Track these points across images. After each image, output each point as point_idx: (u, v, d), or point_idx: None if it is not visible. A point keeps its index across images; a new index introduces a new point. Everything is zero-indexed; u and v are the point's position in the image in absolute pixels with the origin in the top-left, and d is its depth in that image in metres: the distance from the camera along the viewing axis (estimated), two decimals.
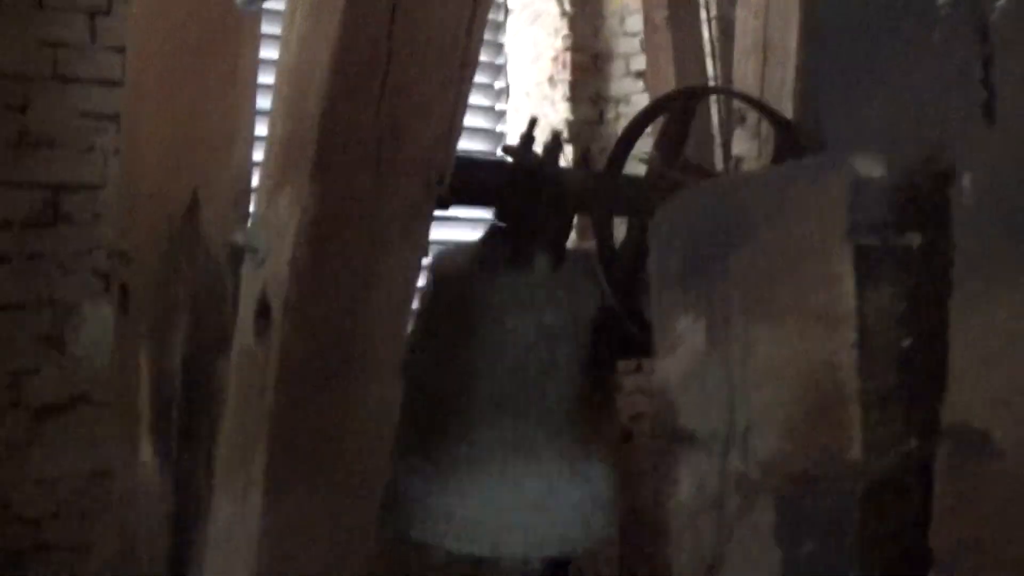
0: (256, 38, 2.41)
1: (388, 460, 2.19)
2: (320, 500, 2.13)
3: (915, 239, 1.10)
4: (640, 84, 5.72)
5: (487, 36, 6.02)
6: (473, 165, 2.85)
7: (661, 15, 4.84)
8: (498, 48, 6.12)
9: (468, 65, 2.09)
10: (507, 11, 6.18)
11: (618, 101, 5.93)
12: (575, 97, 5.96)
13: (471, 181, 2.70)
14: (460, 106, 2.12)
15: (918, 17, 1.28)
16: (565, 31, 6.03)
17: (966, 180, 1.08)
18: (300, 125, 2.02)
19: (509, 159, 2.93)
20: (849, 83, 1.30)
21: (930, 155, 1.10)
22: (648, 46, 4.88)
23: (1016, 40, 1.23)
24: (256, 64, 2.41)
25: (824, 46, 1.36)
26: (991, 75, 1.23)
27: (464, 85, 2.11)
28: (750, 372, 1.16)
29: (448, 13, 2.04)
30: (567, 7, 6.07)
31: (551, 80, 6.01)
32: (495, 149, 5.84)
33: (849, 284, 1.09)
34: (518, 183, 2.82)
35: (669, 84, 4.44)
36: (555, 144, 2.91)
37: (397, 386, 2.15)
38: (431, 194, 2.09)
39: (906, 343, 1.09)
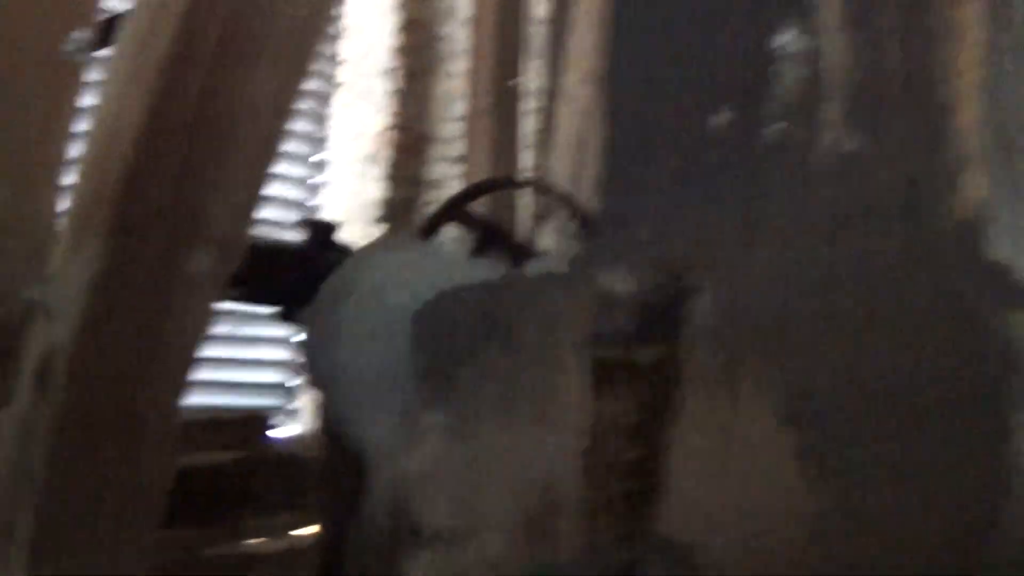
0: (76, 89, 2.40)
1: (155, 528, 2.17)
2: (84, 569, 2.10)
3: (652, 355, 1.14)
4: (457, 170, 5.78)
5: (311, 107, 6.05)
6: (272, 250, 2.84)
7: (485, 102, 4.92)
8: (320, 119, 6.13)
9: (271, 151, 2.12)
10: (335, 84, 6.20)
11: (434, 185, 5.98)
12: (393, 177, 6.00)
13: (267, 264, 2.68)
14: (259, 189, 2.15)
15: (695, 137, 1.35)
16: (391, 109, 6.07)
17: (707, 299, 1.13)
18: (103, 185, 2.02)
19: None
20: (627, 193, 1.36)
21: (677, 272, 1.15)
22: (469, 132, 4.95)
23: (780, 165, 1.31)
24: (73, 114, 2.39)
25: (610, 155, 1.41)
26: (754, 196, 1.30)
27: (265, 168, 2.14)
28: (484, 474, 1.19)
29: (259, 95, 2.07)
30: (396, 86, 6.12)
31: (371, 157, 6.03)
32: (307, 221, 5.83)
33: (583, 394, 1.13)
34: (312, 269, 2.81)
35: (485, 172, 4.51)
36: (325, 228, 2.88)
37: (171, 454, 2.14)
38: (222, 270, 2.10)
39: (631, 455, 1.13)
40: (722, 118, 1.33)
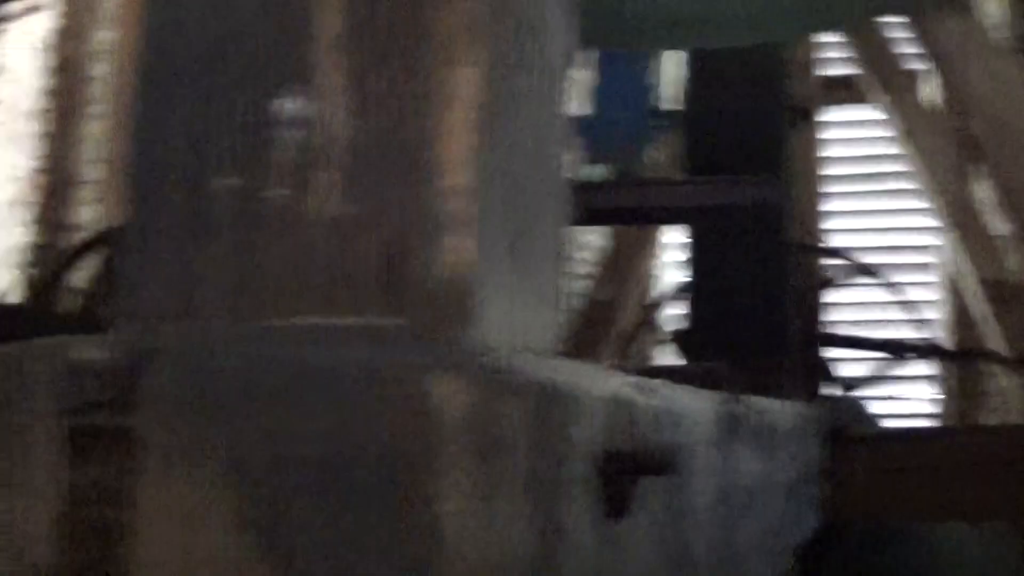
0: None
1: None
2: None
3: (121, 421, 1.18)
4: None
5: None
6: None
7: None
8: None
9: None
10: None
11: (83, 229, 5.89)
12: (41, 221, 5.89)
13: None
14: None
15: (196, 202, 1.38)
16: (40, 152, 5.97)
17: (176, 365, 1.18)
18: None
19: None
20: (136, 257, 1.39)
21: (150, 338, 1.20)
22: (111, 176, 4.91)
23: (274, 231, 1.36)
24: None
25: (127, 219, 1.44)
26: (246, 263, 1.35)
27: None
28: None
29: None
30: (46, 128, 6.02)
31: (20, 202, 5.92)
32: None
33: (56, 462, 1.16)
34: None
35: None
36: None
37: None
38: None
39: (103, 522, 1.17)
40: (222, 182, 1.37)
